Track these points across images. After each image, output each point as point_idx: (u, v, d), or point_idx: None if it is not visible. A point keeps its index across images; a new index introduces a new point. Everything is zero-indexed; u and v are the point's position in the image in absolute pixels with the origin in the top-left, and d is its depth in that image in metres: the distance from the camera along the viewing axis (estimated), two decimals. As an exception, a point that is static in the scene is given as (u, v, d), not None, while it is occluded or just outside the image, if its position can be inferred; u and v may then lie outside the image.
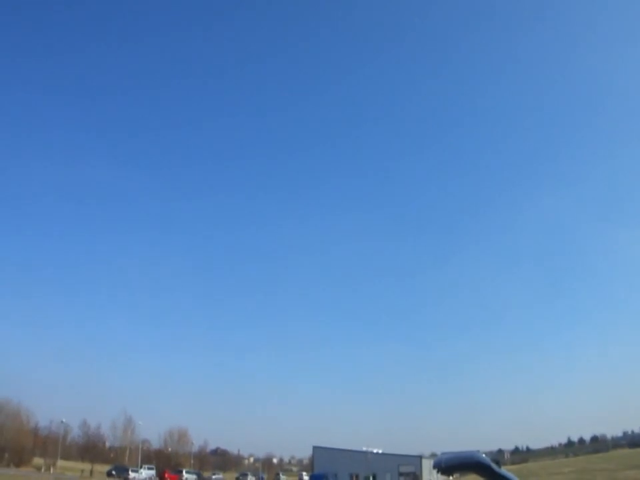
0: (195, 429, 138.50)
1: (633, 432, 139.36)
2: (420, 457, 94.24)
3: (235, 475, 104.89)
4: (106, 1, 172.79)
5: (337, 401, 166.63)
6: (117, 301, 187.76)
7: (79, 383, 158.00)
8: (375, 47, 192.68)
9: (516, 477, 10.62)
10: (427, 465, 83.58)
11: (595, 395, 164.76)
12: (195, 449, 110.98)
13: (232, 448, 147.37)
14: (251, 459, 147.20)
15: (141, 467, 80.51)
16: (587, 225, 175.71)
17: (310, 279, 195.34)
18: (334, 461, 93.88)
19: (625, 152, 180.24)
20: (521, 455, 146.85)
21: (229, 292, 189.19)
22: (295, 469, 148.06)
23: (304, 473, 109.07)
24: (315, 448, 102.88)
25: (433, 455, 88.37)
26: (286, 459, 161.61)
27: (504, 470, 10.14)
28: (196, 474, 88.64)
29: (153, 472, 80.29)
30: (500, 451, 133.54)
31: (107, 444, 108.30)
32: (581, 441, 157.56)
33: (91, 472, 78.26)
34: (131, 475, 74.21)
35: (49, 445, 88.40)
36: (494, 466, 9.67)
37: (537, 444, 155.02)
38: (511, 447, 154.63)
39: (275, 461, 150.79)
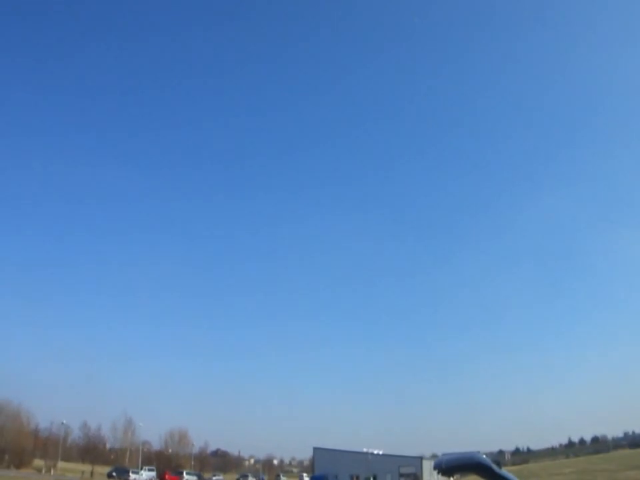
0: (195, 430, 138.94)
1: (633, 432, 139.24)
2: (420, 458, 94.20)
3: (236, 476, 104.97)
4: (106, 1, 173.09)
5: (337, 401, 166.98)
6: (117, 302, 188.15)
7: (79, 383, 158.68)
8: (375, 47, 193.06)
9: (516, 478, 10.63)
10: (428, 465, 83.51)
11: (595, 395, 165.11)
12: (195, 450, 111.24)
13: (232, 449, 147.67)
14: (252, 460, 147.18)
15: (141, 469, 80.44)
16: (587, 225, 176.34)
17: (310, 279, 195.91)
18: (334, 462, 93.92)
19: (625, 152, 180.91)
20: (521, 456, 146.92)
21: (229, 292, 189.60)
22: (295, 470, 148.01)
23: (304, 474, 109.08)
24: (315, 449, 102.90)
25: (434, 456, 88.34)
26: (286, 460, 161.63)
27: (504, 471, 10.16)
28: (196, 475, 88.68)
29: (153, 473, 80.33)
30: (500, 452, 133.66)
31: (108, 445, 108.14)
32: (582, 441, 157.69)
33: (92, 473, 78.18)
34: (132, 476, 74.21)
35: (49, 446, 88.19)
36: (494, 467, 9.68)
37: (537, 445, 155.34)
38: (511, 447, 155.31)
39: (275, 462, 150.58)
